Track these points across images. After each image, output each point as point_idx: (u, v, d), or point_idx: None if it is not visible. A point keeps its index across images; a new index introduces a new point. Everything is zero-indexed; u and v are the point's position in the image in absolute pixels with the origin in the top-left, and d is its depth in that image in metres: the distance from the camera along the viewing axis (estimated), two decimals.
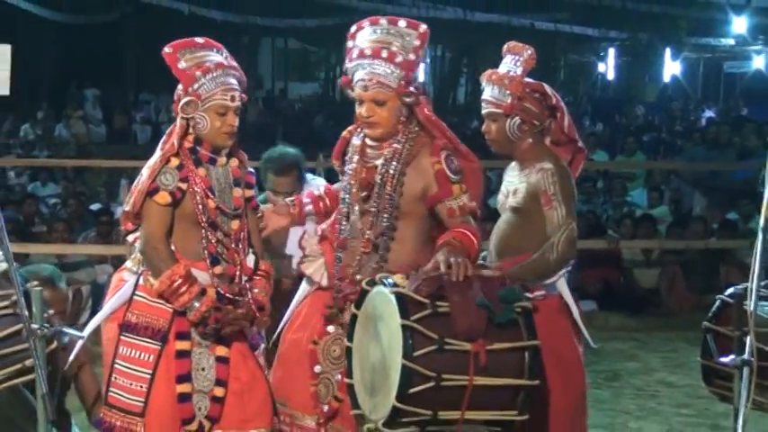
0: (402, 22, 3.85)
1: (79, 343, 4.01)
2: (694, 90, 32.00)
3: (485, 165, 4.82)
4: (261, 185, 4.68)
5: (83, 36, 25.04)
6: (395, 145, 3.83)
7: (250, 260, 3.95)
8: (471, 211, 3.84)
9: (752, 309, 3.15)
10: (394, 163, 3.82)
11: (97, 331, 3.96)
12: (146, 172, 3.82)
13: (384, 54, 3.76)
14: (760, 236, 3.17)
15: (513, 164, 4.19)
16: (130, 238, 3.92)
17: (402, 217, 3.83)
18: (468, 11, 26.28)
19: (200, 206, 3.82)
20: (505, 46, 4.15)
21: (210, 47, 3.89)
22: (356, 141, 3.96)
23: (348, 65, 3.86)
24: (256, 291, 3.92)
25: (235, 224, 3.90)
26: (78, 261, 9.14)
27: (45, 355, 3.22)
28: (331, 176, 4.38)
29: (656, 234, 10.12)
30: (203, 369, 3.86)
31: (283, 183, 5.06)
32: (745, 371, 3.14)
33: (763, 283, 3.88)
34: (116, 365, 3.84)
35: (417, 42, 3.80)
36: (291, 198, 4.25)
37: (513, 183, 4.13)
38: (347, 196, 3.93)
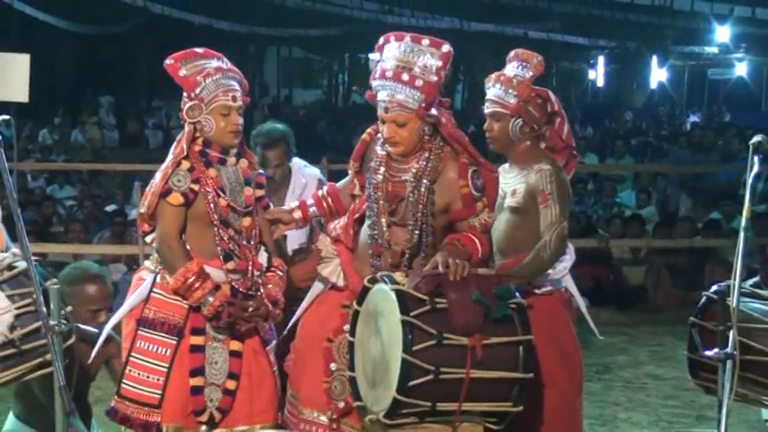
0: (426, 41, 3.79)
1: (101, 339, 4.14)
2: (680, 96, 32.19)
3: None
4: None
5: (98, 46, 25.26)
6: (422, 162, 3.82)
7: (262, 257, 4.04)
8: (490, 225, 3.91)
9: (734, 305, 3.22)
10: (425, 181, 3.81)
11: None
12: (159, 175, 3.91)
13: (405, 77, 3.71)
14: (742, 235, 3.27)
15: (507, 165, 4.26)
16: (148, 239, 4.02)
17: (430, 230, 3.87)
18: (465, 21, 26.50)
19: (212, 205, 3.91)
20: (512, 53, 4.22)
21: (210, 56, 3.99)
22: (380, 151, 3.92)
23: (372, 82, 3.83)
24: (270, 286, 4.01)
25: (246, 221, 3.99)
26: (93, 260, 9.19)
27: (62, 349, 3.32)
28: (334, 179, 4.46)
29: (645, 233, 10.21)
30: (216, 363, 3.96)
31: (272, 156, 5.10)
32: (729, 364, 3.23)
33: (749, 282, 4.03)
34: (132, 358, 3.94)
35: (440, 63, 3.74)
36: (296, 203, 4.29)
37: (511, 183, 4.18)
38: (375, 206, 3.90)
